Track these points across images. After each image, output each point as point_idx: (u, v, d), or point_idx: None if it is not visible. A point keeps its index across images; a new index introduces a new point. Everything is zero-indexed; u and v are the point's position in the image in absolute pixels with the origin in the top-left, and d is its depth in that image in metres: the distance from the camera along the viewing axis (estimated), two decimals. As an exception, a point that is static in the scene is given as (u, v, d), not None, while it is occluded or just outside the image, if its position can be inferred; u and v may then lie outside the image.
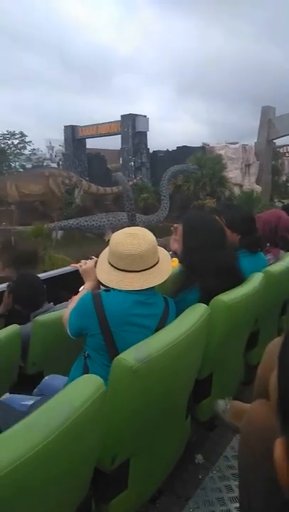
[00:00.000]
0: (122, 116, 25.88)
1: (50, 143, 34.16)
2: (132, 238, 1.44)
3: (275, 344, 1.30)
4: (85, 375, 1.09)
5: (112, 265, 1.47)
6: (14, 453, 0.76)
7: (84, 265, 1.81)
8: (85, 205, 20.95)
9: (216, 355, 1.71)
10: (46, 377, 1.87)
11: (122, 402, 1.19)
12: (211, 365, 1.75)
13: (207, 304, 1.59)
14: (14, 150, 30.02)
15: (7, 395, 1.76)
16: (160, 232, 5.86)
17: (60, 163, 29.34)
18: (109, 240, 1.53)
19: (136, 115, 25.71)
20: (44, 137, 34.03)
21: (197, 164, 19.40)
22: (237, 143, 24.11)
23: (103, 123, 27.51)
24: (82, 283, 1.81)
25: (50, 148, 33.11)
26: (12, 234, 13.76)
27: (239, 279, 1.81)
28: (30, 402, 1.62)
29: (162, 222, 14.92)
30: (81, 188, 20.92)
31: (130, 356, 1.17)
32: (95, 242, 13.95)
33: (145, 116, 26.30)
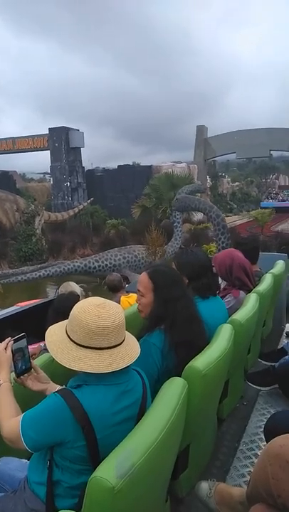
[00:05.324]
0: (50, 129, 22.91)
1: None
2: (104, 308, 1.22)
3: (275, 447, 1.17)
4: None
5: (80, 345, 1.20)
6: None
7: None
8: (51, 237, 17.90)
9: (194, 426, 1.57)
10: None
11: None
12: (189, 437, 1.60)
13: (175, 348, 1.61)
14: None
15: None
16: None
17: None
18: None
19: (69, 129, 22.98)
20: None
21: (165, 183, 18.98)
22: (180, 162, 24.37)
23: (23, 136, 24.39)
24: None
25: None
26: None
27: (201, 326, 1.78)
28: None
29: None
30: (42, 217, 17.92)
31: (110, 473, 0.98)
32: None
33: (78, 130, 23.85)
